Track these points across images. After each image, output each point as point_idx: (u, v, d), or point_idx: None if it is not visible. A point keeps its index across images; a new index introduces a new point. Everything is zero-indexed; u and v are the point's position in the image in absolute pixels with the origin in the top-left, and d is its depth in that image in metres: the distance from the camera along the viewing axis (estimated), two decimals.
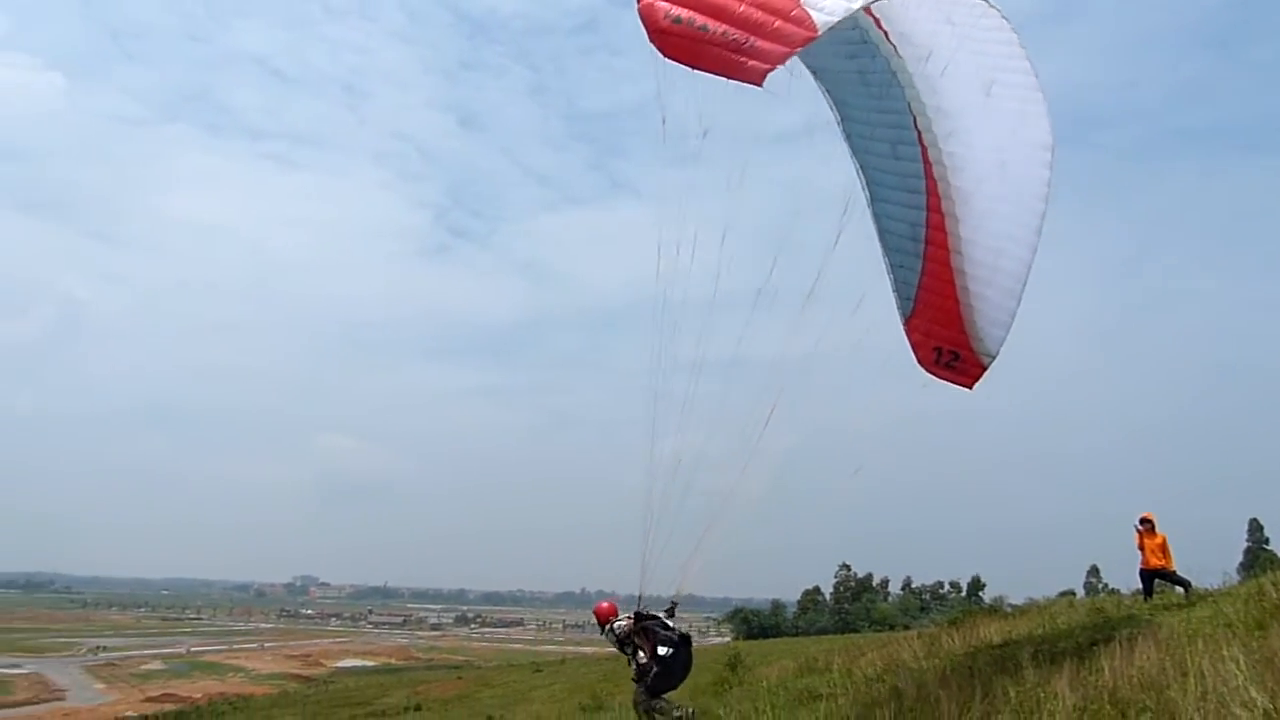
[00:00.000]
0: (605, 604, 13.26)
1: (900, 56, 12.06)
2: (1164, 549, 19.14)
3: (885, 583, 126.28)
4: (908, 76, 12.25)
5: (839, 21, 8.41)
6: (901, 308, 13.83)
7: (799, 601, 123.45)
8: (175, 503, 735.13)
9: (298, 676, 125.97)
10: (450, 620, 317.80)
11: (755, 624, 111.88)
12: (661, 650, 12.01)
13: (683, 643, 12.41)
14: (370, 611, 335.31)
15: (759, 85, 7.78)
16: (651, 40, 7.95)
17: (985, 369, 13.17)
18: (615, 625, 12.79)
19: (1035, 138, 12.20)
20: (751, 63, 7.68)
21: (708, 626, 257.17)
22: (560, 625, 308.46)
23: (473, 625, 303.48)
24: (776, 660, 32.97)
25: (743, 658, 31.78)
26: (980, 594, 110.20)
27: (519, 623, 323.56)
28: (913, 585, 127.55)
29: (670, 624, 12.63)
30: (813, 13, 8.18)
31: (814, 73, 13.00)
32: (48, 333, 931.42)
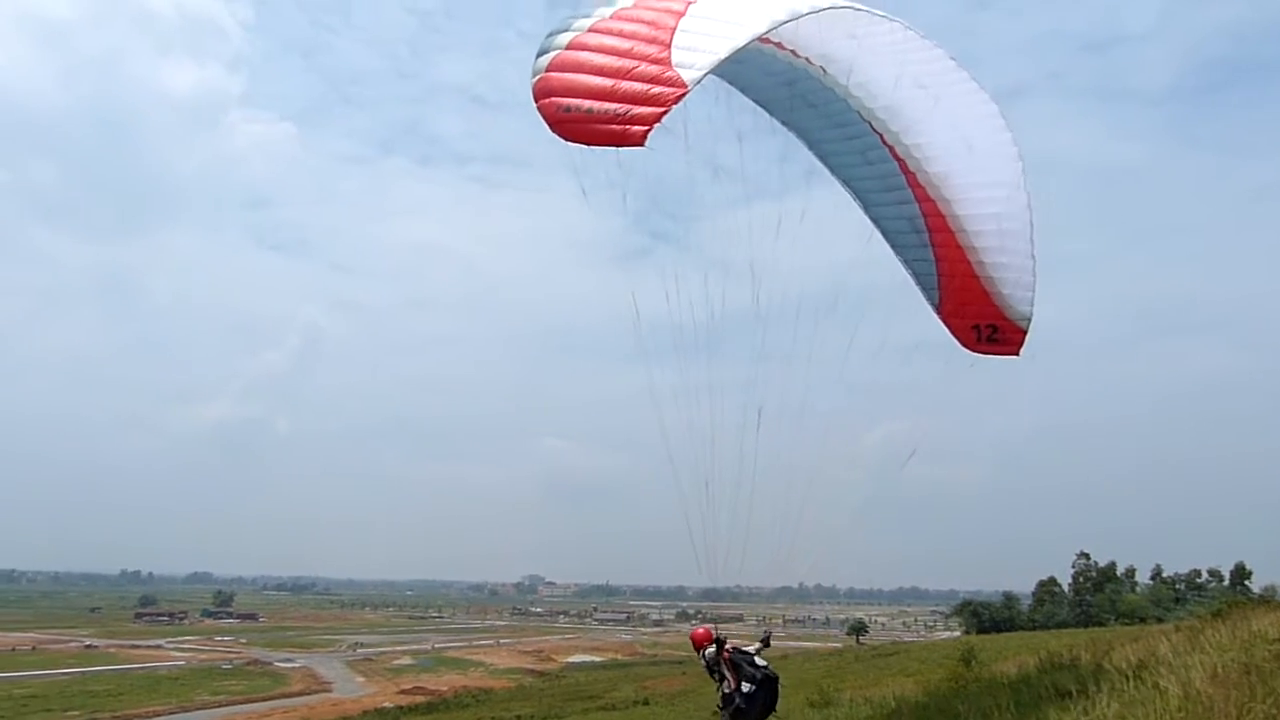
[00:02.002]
0: (701, 630, 13.45)
1: (829, 74, 12.79)
2: None
3: (1131, 572, 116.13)
4: (844, 89, 12.99)
5: (705, 74, 9.21)
6: (930, 299, 14.27)
7: (1034, 593, 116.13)
8: (415, 510, 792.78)
9: (532, 671, 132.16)
10: (671, 616, 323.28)
11: (987, 617, 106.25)
12: (745, 687, 12.14)
13: (765, 683, 12.36)
14: (595, 609, 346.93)
15: (642, 146, 8.74)
16: (552, 131, 9.12)
17: (1025, 332, 13.45)
18: (706, 652, 12.93)
19: (981, 110, 13.07)
20: (632, 129, 8.68)
21: (934, 620, 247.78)
22: (780, 620, 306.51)
23: (693, 621, 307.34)
24: (1014, 655, 31.21)
25: (977, 652, 30.27)
26: (1246, 583, 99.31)
27: (738, 618, 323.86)
28: (1163, 574, 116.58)
29: (759, 660, 12.70)
30: (681, 71, 9.06)
31: (764, 108, 13.78)
32: (297, 359, 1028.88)
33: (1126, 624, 70.18)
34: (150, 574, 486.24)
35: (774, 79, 13.13)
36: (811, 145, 14.34)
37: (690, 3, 10.30)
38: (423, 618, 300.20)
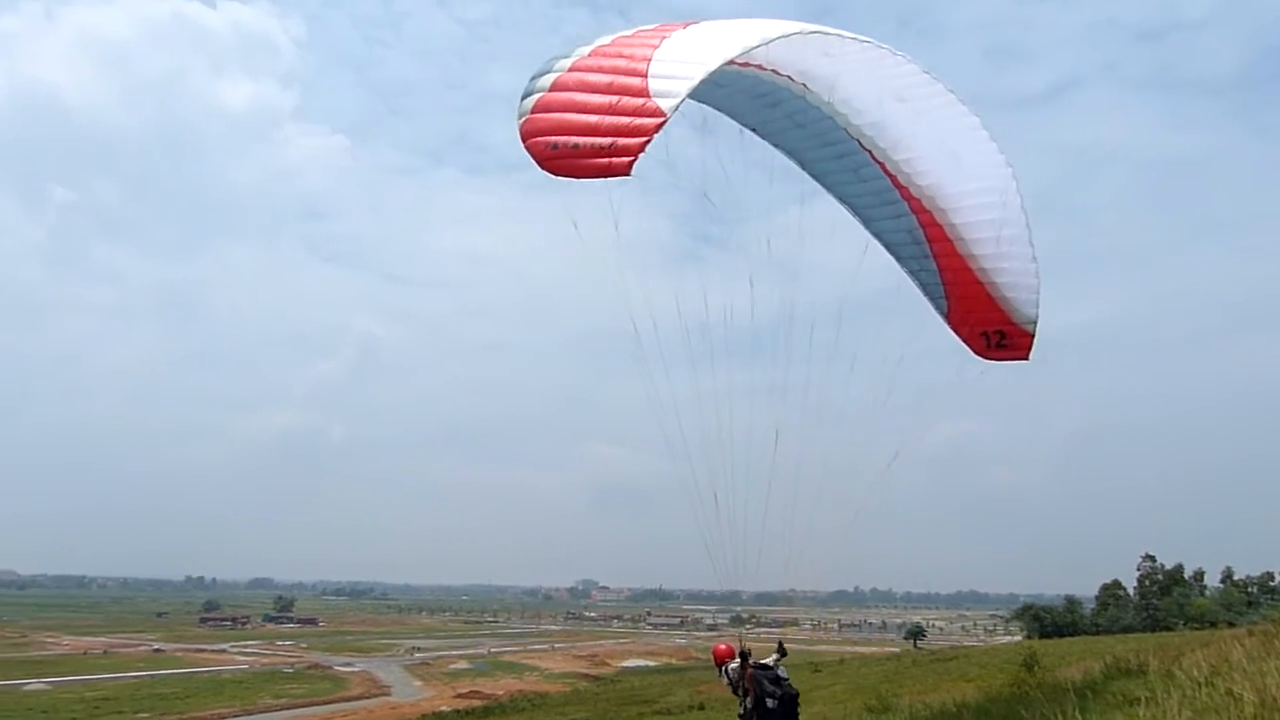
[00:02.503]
0: (723, 646, 13.62)
1: (812, 91, 13.01)
2: None
3: (1200, 575, 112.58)
4: (829, 107, 13.27)
5: (682, 101, 9.58)
6: (938, 308, 14.52)
7: (1097, 597, 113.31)
8: (470, 515, 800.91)
9: (586, 675, 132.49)
10: (725, 621, 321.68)
11: (1048, 621, 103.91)
12: (769, 703, 12.07)
13: (785, 701, 12.29)
14: (649, 613, 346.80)
15: (628, 175, 9.12)
16: (541, 168, 9.60)
17: (1033, 336, 13.77)
18: (730, 668, 12.93)
19: (963, 122, 13.28)
20: (617, 160, 9.07)
21: (994, 624, 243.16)
22: (836, 625, 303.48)
23: (748, 625, 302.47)
24: (1077, 660, 30.47)
25: (1039, 657, 29.61)
26: None
27: (794, 622, 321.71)
28: (1234, 577, 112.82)
29: (781, 674, 12.65)
30: (660, 100, 9.44)
31: (754, 131, 13.99)
32: (352, 368, 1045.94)
33: (1196, 628, 68.05)
34: (214, 580, 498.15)
35: (759, 101, 13.44)
36: (805, 165, 14.55)
37: (664, 36, 10.68)
38: (478, 622, 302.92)
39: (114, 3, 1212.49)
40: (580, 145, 9.26)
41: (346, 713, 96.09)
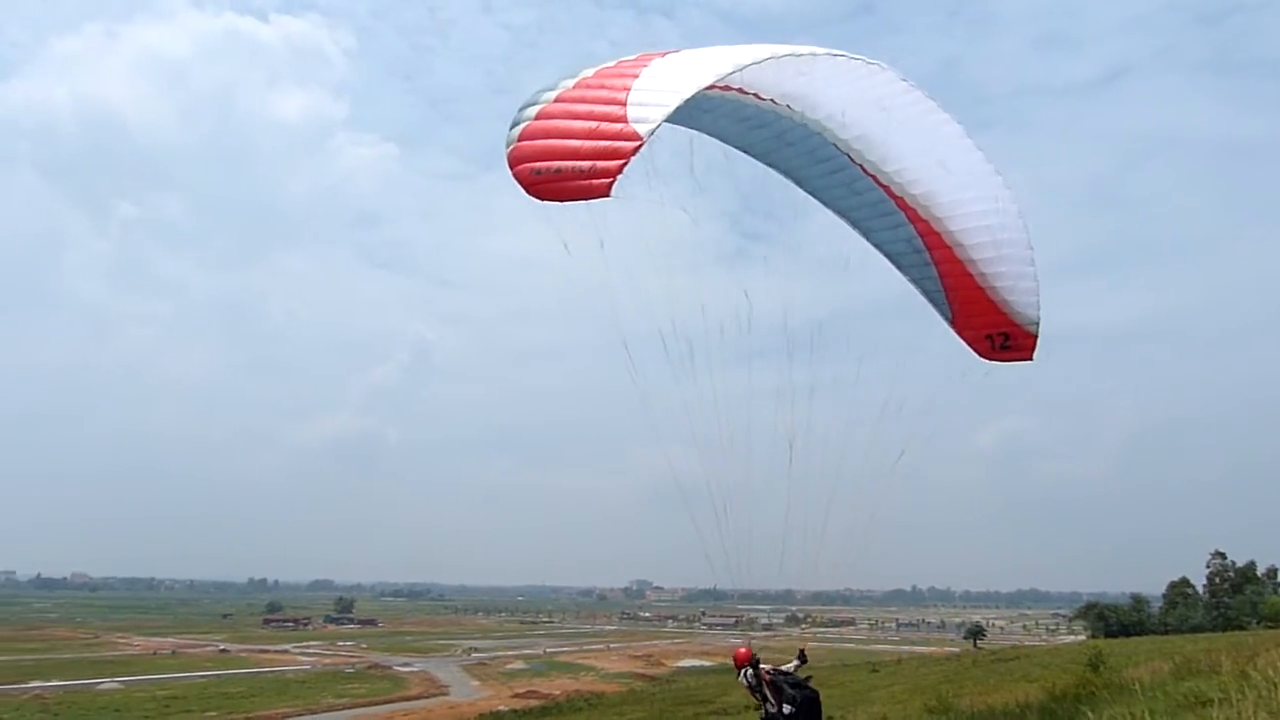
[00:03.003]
0: (744, 649, 13.61)
1: (796, 110, 13.24)
2: None
3: (1273, 572, 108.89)
4: (816, 124, 13.48)
5: (659, 125, 9.99)
6: (943, 314, 14.79)
7: (1164, 595, 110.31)
8: (524, 517, 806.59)
9: (642, 675, 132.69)
10: (781, 620, 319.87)
11: (1114, 620, 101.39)
12: (786, 709, 12.12)
13: (806, 705, 12.31)
14: (703, 613, 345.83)
15: (608, 196, 9.60)
16: (526, 193, 9.96)
17: (1036, 337, 14.06)
18: (747, 673, 12.94)
19: (947, 130, 13.55)
20: (596, 182, 9.51)
21: (1056, 624, 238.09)
22: (893, 624, 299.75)
23: (803, 625, 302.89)
24: (1145, 660, 29.63)
25: (1105, 657, 28.87)
26: None
27: (850, 622, 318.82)
28: None
29: (801, 677, 12.74)
30: (637, 125, 9.88)
31: (746, 152, 14.27)
32: (406, 373, 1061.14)
33: (1270, 628, 65.89)
34: (276, 582, 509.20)
35: (746, 124, 13.79)
36: (800, 183, 14.79)
37: (643, 66, 11.16)
38: (533, 623, 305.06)
39: (171, 20, 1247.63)
40: (562, 169, 9.68)
41: (406, 712, 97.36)
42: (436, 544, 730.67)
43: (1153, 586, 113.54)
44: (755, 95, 12.96)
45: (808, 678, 12.84)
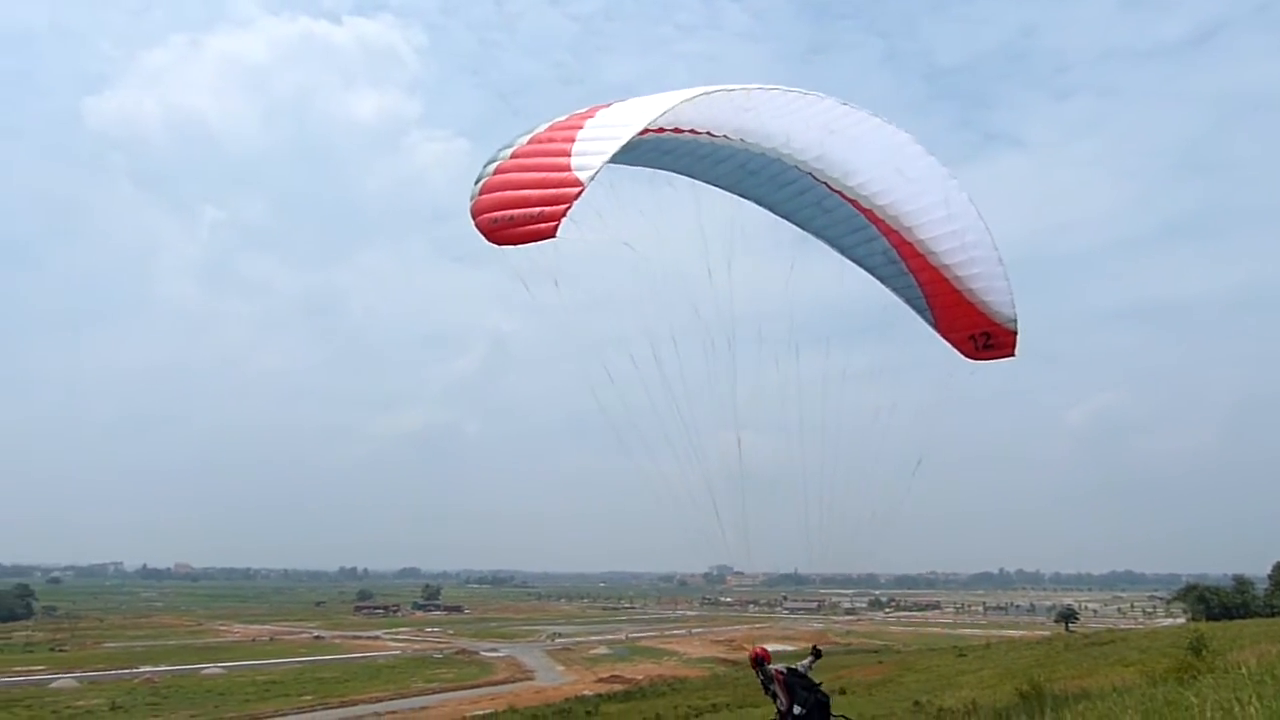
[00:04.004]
0: (760, 648, 13.97)
1: (749, 143, 13.84)
2: None
3: None
4: (774, 152, 14.03)
5: (599, 170, 11.00)
6: (927, 320, 15.24)
7: (1270, 576, 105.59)
8: (603, 504, 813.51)
9: (724, 660, 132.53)
10: (864, 605, 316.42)
11: (1215, 603, 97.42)
12: (796, 710, 12.28)
13: (816, 708, 12.39)
14: (785, 598, 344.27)
15: (554, 237, 10.62)
16: (487, 240, 11.06)
17: (1015, 333, 14.65)
18: (763, 670, 13.15)
19: (896, 139, 14.22)
20: (544, 225, 10.56)
21: (1153, 606, 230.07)
22: (980, 608, 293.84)
23: (887, 609, 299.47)
24: (1250, 644, 28.43)
25: (1207, 641, 27.78)
26: None
27: (935, 606, 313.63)
28: None
29: (814, 678, 12.83)
30: (579, 173, 10.91)
31: (716, 185, 14.87)
32: (484, 365, 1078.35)
33: None
34: (365, 570, 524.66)
35: (707, 161, 14.48)
36: (773, 208, 15.36)
37: (589, 118, 12.21)
38: (615, 608, 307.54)
39: (250, 28, 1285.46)
40: (515, 216, 10.82)
41: (494, 696, 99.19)
42: (519, 532, 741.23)
43: (1257, 567, 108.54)
44: (709, 133, 13.67)
45: (819, 683, 12.90)
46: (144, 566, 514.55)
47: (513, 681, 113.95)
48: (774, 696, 12.81)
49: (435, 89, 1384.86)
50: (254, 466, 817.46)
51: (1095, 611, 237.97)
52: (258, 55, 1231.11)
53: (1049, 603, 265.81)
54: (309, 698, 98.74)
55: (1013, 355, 14.94)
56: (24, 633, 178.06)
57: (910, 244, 14.53)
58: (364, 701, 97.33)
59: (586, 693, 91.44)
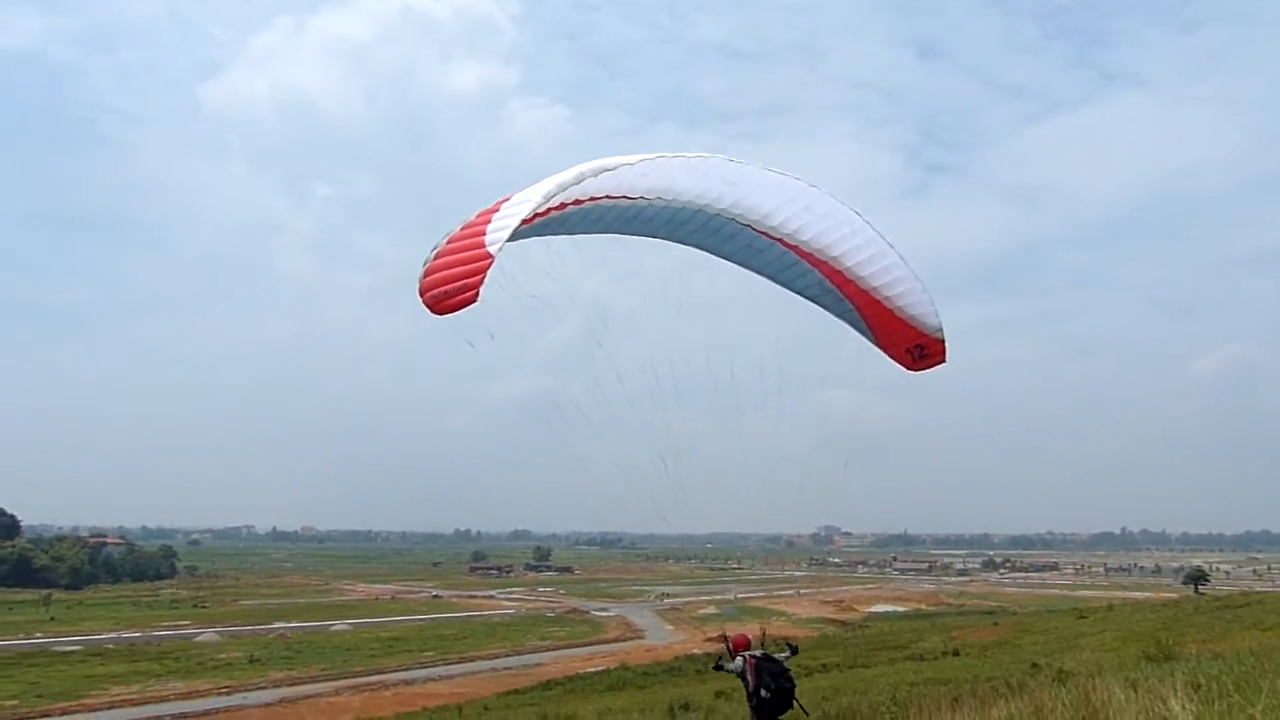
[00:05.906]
0: (740, 637, 14.68)
1: (666, 200, 14.96)
2: None
3: None
4: (692, 205, 15.10)
5: (506, 241, 12.80)
6: (870, 339, 16.32)
7: None
8: (708, 466, 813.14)
9: (833, 621, 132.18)
10: (977, 565, 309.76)
11: None
12: (763, 693, 13.05)
13: (779, 694, 13.07)
14: (894, 558, 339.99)
15: (475, 302, 12.32)
16: (431, 312, 12.64)
17: (943, 341, 15.83)
18: (739, 657, 13.80)
19: (793, 183, 15.33)
20: (466, 295, 12.30)
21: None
22: (1101, 569, 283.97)
23: (1001, 570, 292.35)
24: None
25: None
26: None
27: (1053, 567, 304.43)
28: None
29: (787, 667, 13.45)
30: (490, 246, 12.73)
31: (654, 237, 15.93)
32: (584, 332, 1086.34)
33: None
34: (479, 532, 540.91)
35: (635, 221, 15.51)
36: (713, 253, 16.30)
37: (504, 200, 13.76)
38: (722, 569, 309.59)
39: (352, 6, 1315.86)
40: (448, 290, 12.68)
41: (606, 654, 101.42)
42: (625, 493, 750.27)
43: None
44: (625, 197, 14.65)
45: (790, 669, 13.57)
46: (274, 529, 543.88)
47: (624, 640, 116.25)
48: (744, 679, 13.57)
49: (532, 56, 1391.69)
50: (373, 433, 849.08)
51: (1228, 573, 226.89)
52: (359, 33, 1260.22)
53: (1176, 564, 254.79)
54: (430, 654, 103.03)
55: (944, 361, 16.10)
56: (169, 590, 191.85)
57: (839, 272, 15.52)
58: (482, 658, 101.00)
59: (696, 652, 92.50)
